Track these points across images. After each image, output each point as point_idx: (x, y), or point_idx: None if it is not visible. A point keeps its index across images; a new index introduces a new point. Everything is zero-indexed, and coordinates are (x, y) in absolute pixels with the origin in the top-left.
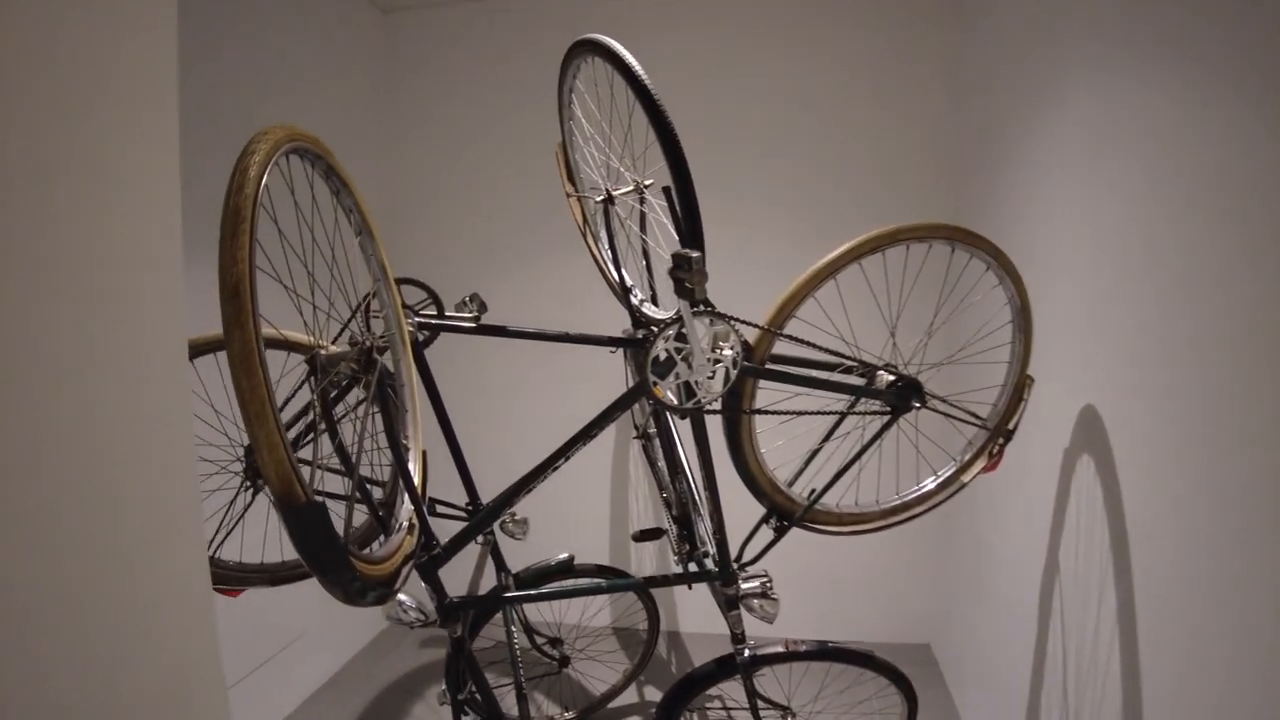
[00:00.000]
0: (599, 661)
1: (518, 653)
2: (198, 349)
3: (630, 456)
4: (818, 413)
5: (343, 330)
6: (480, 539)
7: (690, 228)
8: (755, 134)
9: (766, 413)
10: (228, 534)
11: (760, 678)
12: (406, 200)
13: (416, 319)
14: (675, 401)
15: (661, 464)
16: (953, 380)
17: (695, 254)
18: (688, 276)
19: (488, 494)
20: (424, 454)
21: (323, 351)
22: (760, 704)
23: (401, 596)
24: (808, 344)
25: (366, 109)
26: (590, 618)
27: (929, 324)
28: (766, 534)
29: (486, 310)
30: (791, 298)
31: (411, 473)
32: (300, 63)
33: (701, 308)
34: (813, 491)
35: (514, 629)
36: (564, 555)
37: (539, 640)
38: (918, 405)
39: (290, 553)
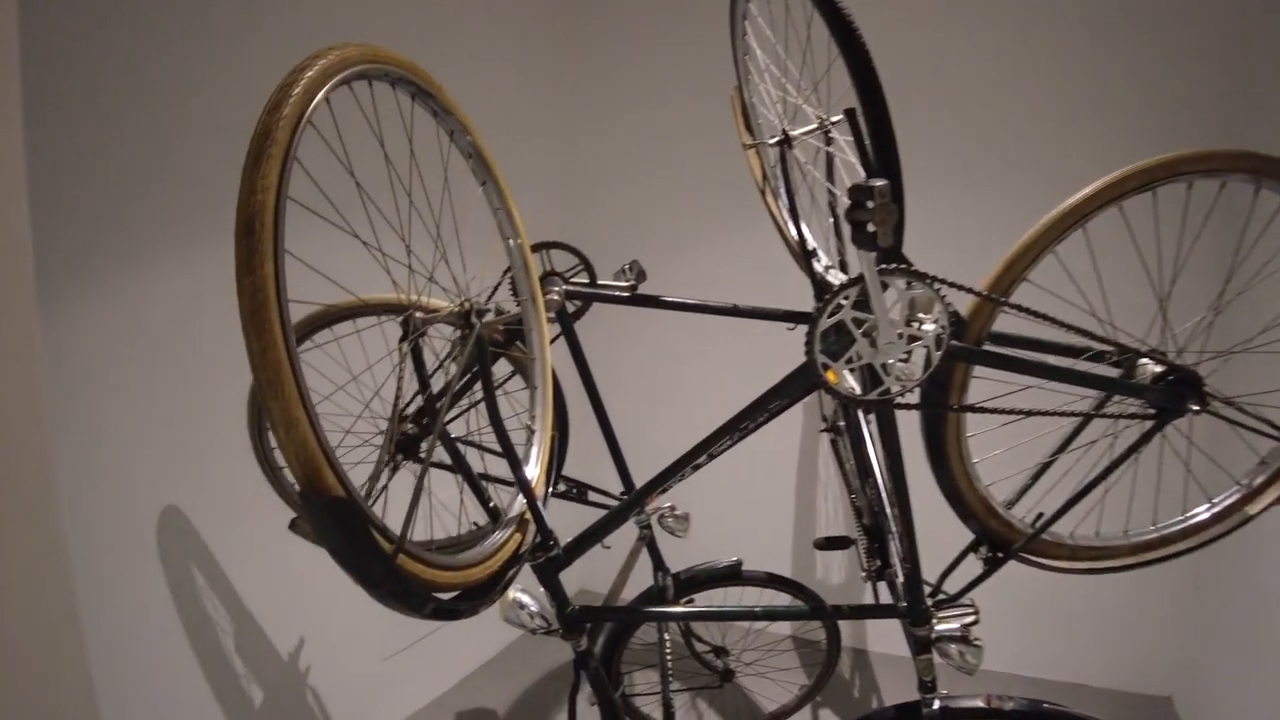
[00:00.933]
0: (768, 678)
1: (669, 664)
2: (332, 317)
3: (820, 452)
4: (1054, 413)
5: (490, 296)
6: (637, 532)
7: (880, 152)
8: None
9: (982, 410)
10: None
11: None
12: (567, 164)
13: (565, 287)
14: (855, 390)
15: (851, 464)
16: (1243, 375)
17: (880, 182)
18: (870, 215)
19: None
20: (552, 439)
21: (419, 313)
22: None
23: (524, 598)
24: (1044, 319)
25: (529, 61)
26: (764, 626)
27: (1216, 296)
28: (974, 564)
29: (645, 279)
30: (1022, 254)
31: (529, 458)
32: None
33: (892, 264)
34: (1039, 517)
35: (668, 636)
36: (731, 559)
37: (700, 648)
38: (1195, 409)
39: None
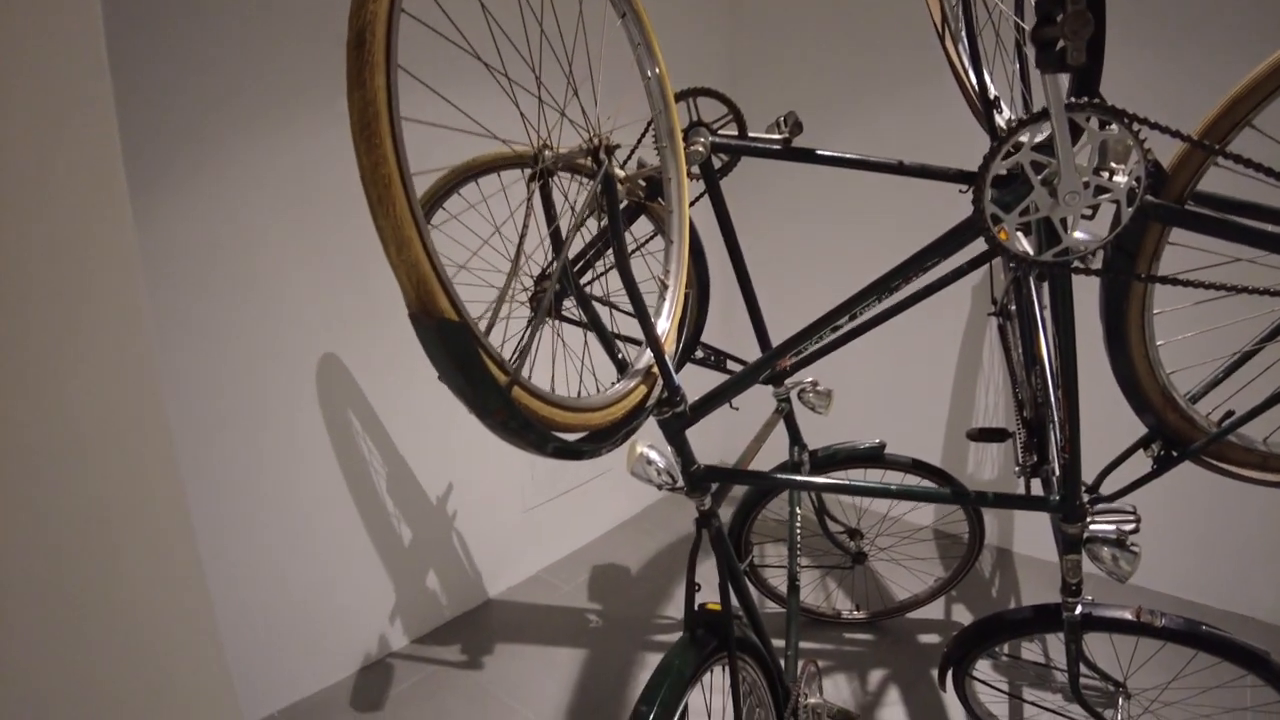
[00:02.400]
0: (903, 567)
1: (799, 539)
2: (477, 169)
3: (986, 339)
4: (1267, 291)
5: (632, 152)
6: (776, 404)
7: None
8: None
9: (1176, 282)
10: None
11: (1091, 640)
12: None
13: (711, 138)
14: (1027, 249)
15: (1018, 352)
16: None
17: None
18: (1060, 30)
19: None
20: (687, 297)
21: (548, 152)
22: (1083, 672)
23: (652, 453)
24: (1268, 174)
25: None
26: (902, 513)
27: None
28: (1142, 463)
29: (801, 131)
30: (1249, 92)
31: (660, 313)
32: None
33: (1083, 98)
34: (1228, 415)
35: (799, 511)
36: (874, 441)
37: (834, 529)
38: None
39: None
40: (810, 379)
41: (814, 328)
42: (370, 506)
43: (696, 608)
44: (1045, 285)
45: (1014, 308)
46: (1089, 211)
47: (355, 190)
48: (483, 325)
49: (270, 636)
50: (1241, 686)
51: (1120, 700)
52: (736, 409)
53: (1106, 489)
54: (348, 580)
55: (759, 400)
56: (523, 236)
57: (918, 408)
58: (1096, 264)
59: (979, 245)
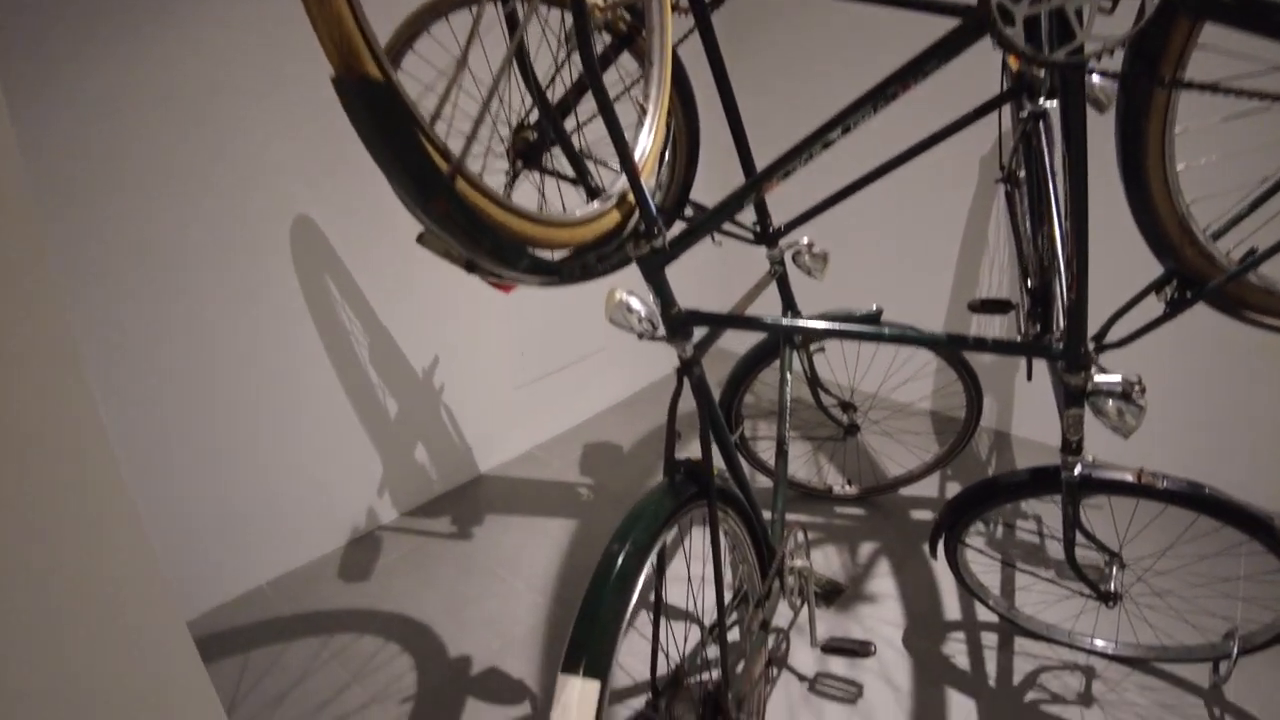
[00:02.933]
0: (898, 441)
1: (789, 401)
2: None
3: (992, 214)
4: None
5: None
6: (769, 265)
7: None
8: None
9: (1205, 88)
10: None
11: (1088, 506)
12: None
13: None
14: (1030, 48)
15: (1026, 218)
16: None
17: None
18: None
19: (779, 206)
20: (669, 125)
21: None
22: (1079, 538)
23: (632, 300)
24: None
25: None
26: (894, 389)
27: None
28: (1153, 308)
29: None
30: None
31: (638, 140)
32: None
33: None
34: (1251, 253)
35: (790, 376)
36: (871, 307)
37: (827, 401)
38: None
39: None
40: (806, 240)
41: (804, 144)
42: (354, 378)
43: (678, 459)
44: (1056, 140)
45: (1022, 173)
46: (1108, 4)
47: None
48: None
49: (257, 509)
50: (1236, 555)
51: (1114, 569)
52: (719, 243)
53: (1113, 335)
54: (334, 454)
55: (752, 264)
56: (497, 79)
57: (918, 279)
58: (1115, 65)
59: (989, 90)
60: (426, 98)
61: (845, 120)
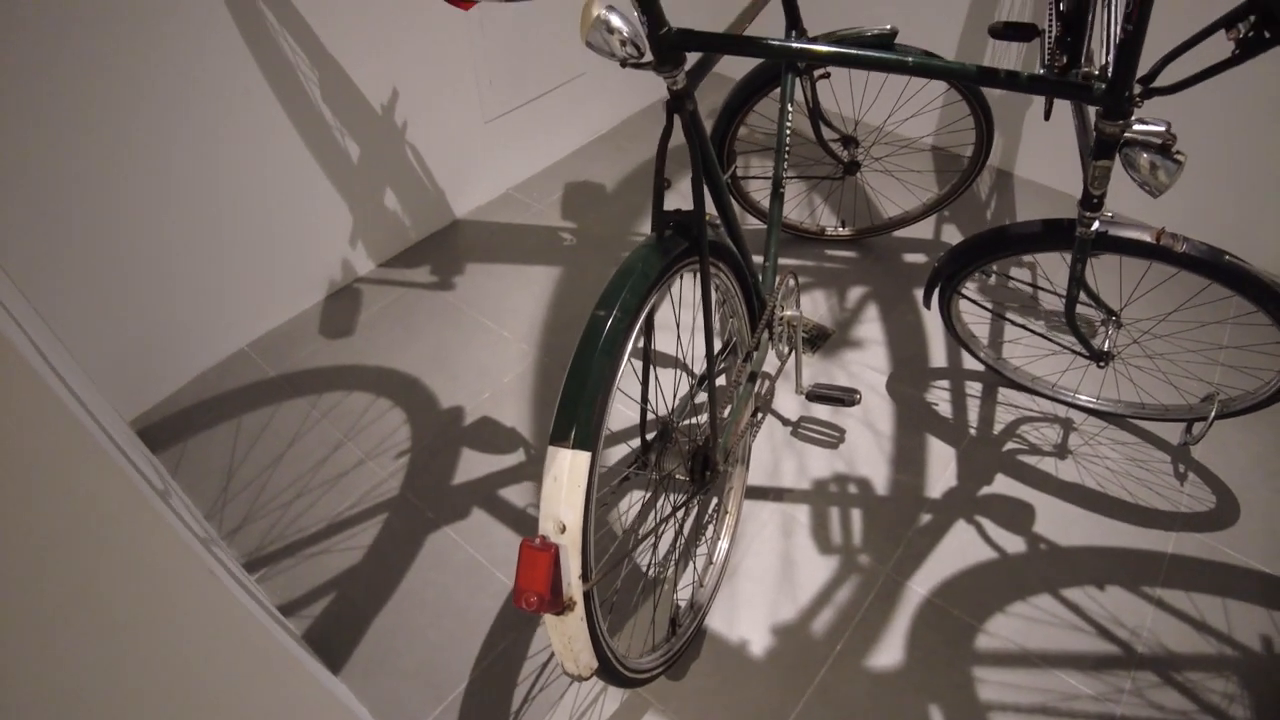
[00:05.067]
0: (897, 179)
1: (787, 135)
2: None
3: None
4: None
5: None
6: None
7: None
8: None
9: None
10: None
11: (1096, 263)
12: None
13: None
14: None
15: None
16: None
17: None
18: None
19: None
20: None
21: None
22: (1082, 295)
23: (614, 18)
24: None
25: None
26: (900, 123)
27: None
28: (1219, 48)
29: None
30: None
31: None
32: None
33: None
34: None
35: (790, 107)
36: (885, 27)
37: (828, 135)
38: None
39: None
40: None
41: None
42: (307, 120)
43: (667, 210)
44: None
45: None
46: None
47: None
48: None
49: (229, 270)
50: (1228, 325)
51: (1110, 329)
52: None
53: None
54: (298, 204)
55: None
56: None
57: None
58: None
59: None
60: None
61: None
